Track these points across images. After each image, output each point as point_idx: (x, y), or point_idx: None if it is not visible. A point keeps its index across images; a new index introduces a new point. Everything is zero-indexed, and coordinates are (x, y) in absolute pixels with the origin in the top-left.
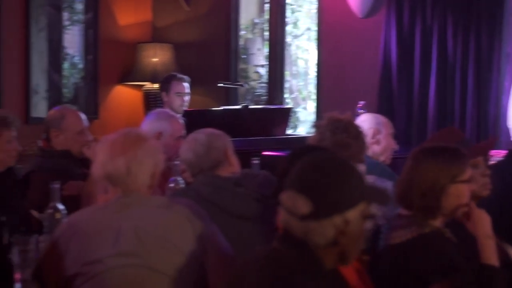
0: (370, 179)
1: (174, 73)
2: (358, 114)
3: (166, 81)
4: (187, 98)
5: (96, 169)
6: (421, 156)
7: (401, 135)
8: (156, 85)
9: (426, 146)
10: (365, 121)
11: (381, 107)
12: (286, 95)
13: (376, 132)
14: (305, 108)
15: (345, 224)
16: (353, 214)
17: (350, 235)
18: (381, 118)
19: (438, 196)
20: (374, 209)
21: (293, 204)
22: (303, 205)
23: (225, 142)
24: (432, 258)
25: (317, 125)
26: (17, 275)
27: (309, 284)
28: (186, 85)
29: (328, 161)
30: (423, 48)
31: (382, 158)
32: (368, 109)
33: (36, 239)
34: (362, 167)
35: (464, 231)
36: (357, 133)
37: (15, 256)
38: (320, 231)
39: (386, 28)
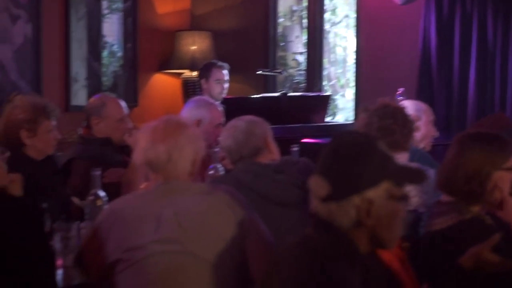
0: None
1: (214, 61)
2: (397, 101)
3: (206, 69)
4: (226, 85)
5: (137, 156)
6: (468, 141)
7: (441, 122)
8: (194, 73)
9: (472, 131)
10: (405, 108)
11: (421, 94)
12: (324, 83)
13: (416, 119)
14: (343, 96)
15: (368, 204)
16: (375, 193)
17: (377, 216)
18: (421, 105)
19: (483, 182)
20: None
21: (315, 186)
22: (322, 187)
23: (265, 129)
24: (473, 244)
25: (365, 109)
26: (59, 262)
27: (345, 269)
28: (225, 72)
29: (346, 143)
30: (462, 34)
31: (422, 145)
32: (407, 96)
33: (78, 226)
34: (404, 156)
35: (496, 221)
36: (405, 121)
37: (57, 242)
38: (341, 212)
39: (426, 14)
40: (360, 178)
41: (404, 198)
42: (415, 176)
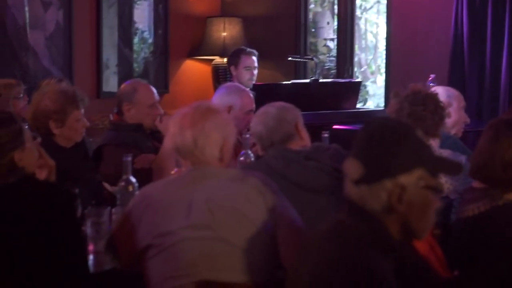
0: (444, 153)
1: (243, 47)
2: (429, 88)
3: (235, 55)
4: (255, 72)
5: (168, 142)
6: (503, 128)
7: (472, 109)
8: (225, 59)
9: (506, 118)
10: (436, 94)
11: (452, 81)
12: (355, 69)
13: (447, 105)
14: (374, 82)
15: (401, 189)
16: (408, 179)
17: (410, 203)
18: (453, 91)
19: None
20: (444, 181)
21: (349, 169)
22: (356, 169)
23: (296, 115)
24: (505, 230)
25: (396, 94)
26: (91, 247)
27: (378, 255)
28: (254, 59)
29: (384, 127)
30: (494, 21)
31: (453, 131)
32: (438, 82)
33: (109, 211)
34: (435, 142)
35: None
36: (435, 107)
37: (88, 228)
38: (373, 195)
39: (458, 0)
40: (393, 162)
41: (439, 188)
42: (451, 168)
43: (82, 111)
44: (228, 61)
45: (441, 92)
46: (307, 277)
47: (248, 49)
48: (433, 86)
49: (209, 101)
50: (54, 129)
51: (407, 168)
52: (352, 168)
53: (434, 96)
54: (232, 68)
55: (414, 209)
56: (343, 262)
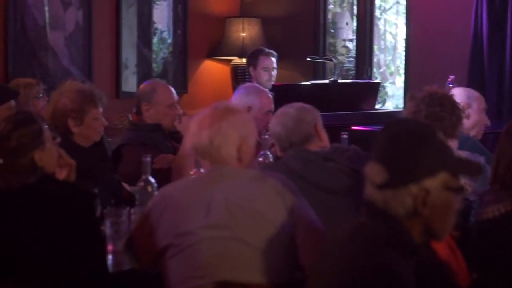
0: (462, 154)
1: (262, 48)
2: (448, 89)
3: (254, 56)
4: (274, 73)
5: (187, 142)
6: None
7: (492, 110)
8: (244, 60)
9: None
10: (456, 95)
11: (472, 82)
12: (374, 70)
13: (466, 106)
14: (393, 83)
15: (425, 193)
16: (432, 183)
17: (433, 206)
18: (473, 92)
19: None
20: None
21: (371, 173)
22: (379, 174)
23: (315, 116)
24: None
25: (413, 96)
26: (110, 247)
27: (399, 258)
28: (273, 59)
29: (406, 130)
30: None
31: (473, 133)
32: (458, 83)
33: (128, 211)
34: (454, 143)
35: None
36: (452, 108)
37: (107, 228)
38: (397, 200)
39: (478, 1)
40: (419, 167)
41: (461, 190)
42: (472, 169)
43: (101, 109)
44: (247, 61)
45: (461, 93)
46: (328, 280)
47: (267, 50)
48: (452, 87)
49: (228, 101)
50: (73, 127)
51: (431, 172)
52: (374, 172)
53: (450, 97)
54: (251, 69)
55: (437, 211)
56: (364, 265)
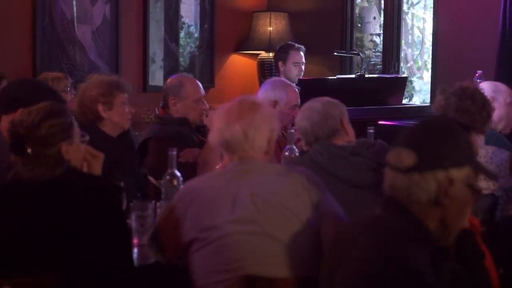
0: (489, 149)
1: (292, 43)
2: (476, 84)
3: (283, 51)
4: (303, 67)
5: (214, 136)
6: None
7: None
8: (271, 54)
9: None
10: (482, 89)
11: (500, 77)
12: (401, 64)
13: (492, 100)
14: (420, 78)
15: (449, 183)
16: (457, 174)
17: (453, 198)
18: (500, 86)
19: None
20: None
21: (398, 158)
22: (408, 157)
23: (341, 110)
24: None
25: (443, 90)
26: (135, 240)
27: (415, 250)
28: (302, 54)
29: (438, 121)
30: None
31: (500, 127)
32: (486, 78)
33: (154, 205)
34: (480, 139)
35: None
36: (483, 103)
37: (133, 221)
38: (423, 184)
39: None
40: (448, 155)
41: (477, 190)
42: (490, 173)
43: (127, 96)
44: (275, 56)
45: (487, 87)
46: (343, 273)
47: (297, 45)
48: (480, 82)
49: (253, 95)
50: (103, 112)
51: (459, 163)
52: (402, 156)
53: (482, 93)
54: (280, 63)
55: (455, 205)
56: (381, 257)
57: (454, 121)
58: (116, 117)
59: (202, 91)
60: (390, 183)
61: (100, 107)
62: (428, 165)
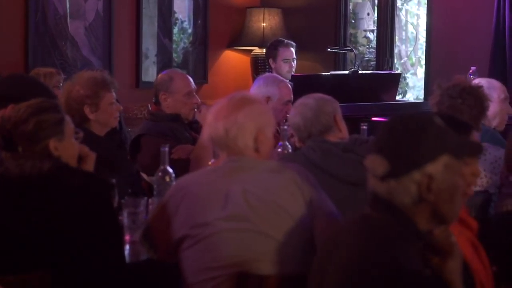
0: (484, 146)
1: (280, 39)
2: (470, 80)
3: (273, 48)
4: (294, 63)
5: (205, 133)
6: None
7: None
8: (264, 50)
9: None
10: (480, 87)
11: (493, 74)
12: (395, 61)
13: None
14: (414, 74)
15: (429, 179)
16: (434, 168)
17: (438, 190)
18: (494, 83)
19: None
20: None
21: (372, 166)
22: (380, 165)
23: (334, 107)
24: None
25: (439, 85)
26: (127, 237)
27: (404, 248)
28: (292, 50)
29: (403, 121)
30: None
31: (494, 124)
32: (479, 75)
33: (146, 201)
34: (474, 136)
35: None
36: (475, 101)
37: (125, 218)
38: (401, 189)
39: None
40: (419, 153)
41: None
42: (474, 149)
43: (114, 94)
44: (266, 53)
45: (481, 83)
46: (333, 271)
47: (286, 41)
48: (474, 79)
49: (246, 91)
50: (89, 114)
51: (432, 157)
52: (375, 164)
53: (476, 89)
54: (270, 60)
55: (443, 195)
56: (369, 256)
57: (418, 112)
58: (103, 118)
59: (193, 85)
60: (372, 189)
61: (87, 109)
62: (402, 169)
